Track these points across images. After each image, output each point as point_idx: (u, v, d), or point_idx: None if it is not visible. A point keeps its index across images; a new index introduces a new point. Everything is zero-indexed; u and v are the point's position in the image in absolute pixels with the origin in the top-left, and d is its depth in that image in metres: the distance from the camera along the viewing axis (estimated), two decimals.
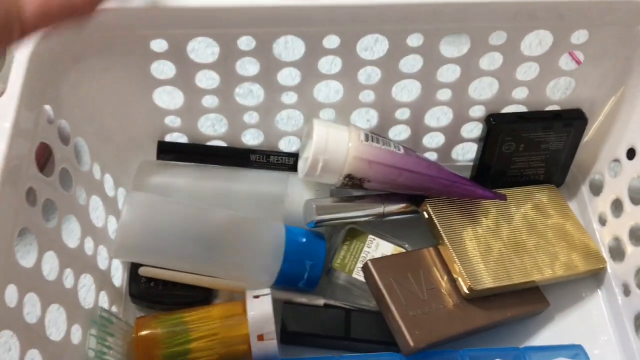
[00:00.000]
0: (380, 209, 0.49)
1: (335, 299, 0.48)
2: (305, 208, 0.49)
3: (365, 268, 0.46)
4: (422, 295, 0.45)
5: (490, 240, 0.49)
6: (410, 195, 0.50)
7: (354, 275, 0.48)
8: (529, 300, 0.48)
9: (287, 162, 0.52)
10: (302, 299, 0.48)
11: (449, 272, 0.47)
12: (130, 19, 0.42)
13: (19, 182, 0.36)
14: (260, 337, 0.43)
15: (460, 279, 0.46)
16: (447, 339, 0.44)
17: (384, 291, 0.44)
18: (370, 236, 0.49)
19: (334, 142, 0.46)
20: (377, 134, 0.49)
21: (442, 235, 0.47)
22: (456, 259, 0.46)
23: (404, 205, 0.50)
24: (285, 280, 0.47)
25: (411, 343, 0.42)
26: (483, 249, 0.48)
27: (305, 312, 0.47)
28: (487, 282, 0.46)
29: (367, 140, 0.47)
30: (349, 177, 0.47)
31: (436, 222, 0.48)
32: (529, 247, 0.49)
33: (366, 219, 0.49)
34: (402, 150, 0.48)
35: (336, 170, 0.47)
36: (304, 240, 0.48)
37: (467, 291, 0.45)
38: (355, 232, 0.50)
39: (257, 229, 0.47)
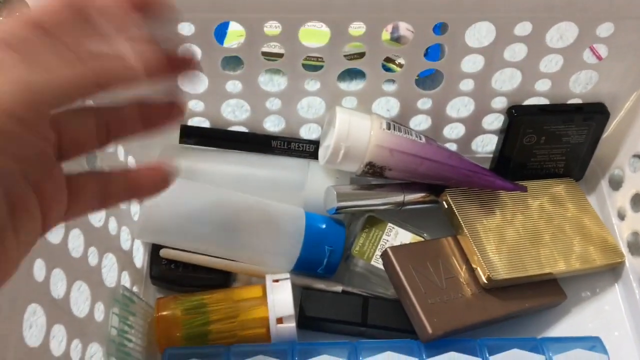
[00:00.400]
0: (400, 198, 0.49)
1: (352, 286, 0.49)
2: (326, 194, 0.49)
3: (384, 255, 0.46)
4: (440, 284, 0.45)
5: (509, 231, 0.49)
6: (430, 184, 0.50)
7: (373, 262, 0.48)
8: (547, 292, 0.48)
9: (308, 150, 0.52)
10: (321, 285, 0.48)
11: (467, 262, 0.47)
12: None
13: None
14: (280, 321, 0.43)
15: (479, 268, 0.46)
16: (465, 327, 0.44)
17: (403, 279, 0.44)
18: (390, 224, 0.50)
19: (356, 130, 0.47)
20: (398, 123, 0.49)
21: (462, 225, 0.47)
22: (475, 250, 0.46)
23: (424, 194, 0.50)
24: (304, 266, 0.47)
25: (429, 330, 0.43)
26: (502, 240, 0.48)
27: (323, 298, 0.47)
28: (506, 272, 0.46)
29: (389, 128, 0.47)
30: (370, 165, 0.47)
31: (456, 212, 0.48)
32: (548, 239, 0.49)
33: (386, 207, 0.49)
34: (423, 140, 0.48)
35: (358, 157, 0.47)
36: (324, 226, 0.48)
37: (485, 281, 0.45)
38: (374, 220, 0.50)
39: (277, 214, 0.48)
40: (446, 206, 0.49)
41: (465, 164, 0.49)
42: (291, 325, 0.44)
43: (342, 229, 0.49)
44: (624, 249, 0.51)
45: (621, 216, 0.53)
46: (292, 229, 0.47)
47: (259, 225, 0.47)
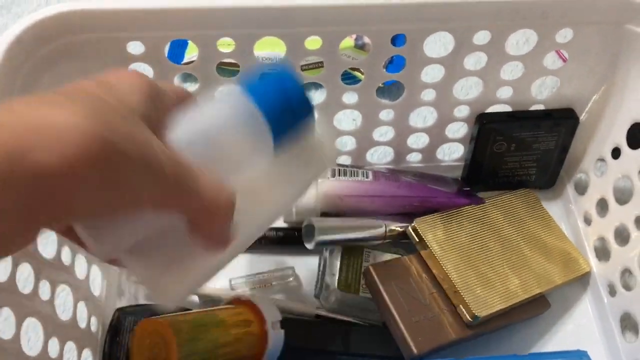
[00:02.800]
0: (382, 230, 0.48)
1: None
2: (305, 229, 0.47)
3: (366, 274, 0.45)
4: (424, 300, 0.44)
5: (483, 260, 0.47)
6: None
7: (361, 294, 0.47)
8: (531, 303, 0.48)
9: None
10: (297, 306, 0.47)
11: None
12: (106, 21, 0.41)
13: None
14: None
15: (461, 306, 0.44)
16: (450, 343, 0.43)
17: (386, 297, 0.43)
18: (366, 250, 0.48)
19: None
20: (344, 166, 0.50)
21: (440, 262, 0.46)
22: (457, 288, 0.45)
23: (404, 224, 0.49)
24: (282, 127, 0.34)
25: (414, 350, 0.42)
26: (479, 272, 0.46)
27: (303, 327, 0.46)
28: (489, 307, 0.45)
29: (333, 175, 0.49)
30: (325, 214, 0.48)
31: (430, 248, 0.46)
32: (519, 262, 0.48)
33: (368, 242, 0.48)
34: (370, 177, 0.49)
35: (311, 210, 0.48)
36: (269, 85, 0.34)
37: (470, 319, 0.44)
38: (350, 249, 0.48)
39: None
40: (417, 239, 0.47)
41: (417, 190, 0.49)
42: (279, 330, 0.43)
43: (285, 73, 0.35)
44: (590, 255, 0.51)
45: (587, 221, 0.52)
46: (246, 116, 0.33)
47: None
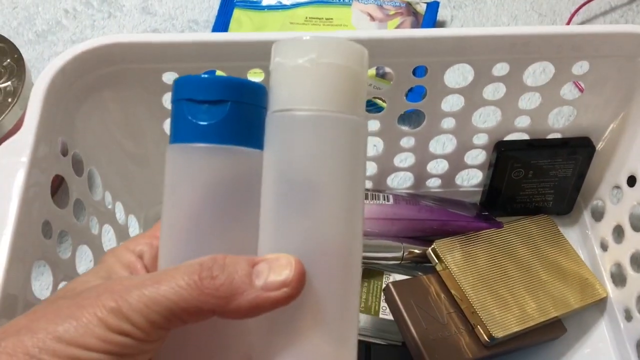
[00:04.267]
0: (400, 251, 0.50)
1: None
2: None
3: (386, 291, 0.47)
4: (442, 319, 0.46)
5: (501, 283, 0.49)
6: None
7: (381, 315, 0.48)
8: (547, 326, 0.49)
9: None
10: None
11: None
12: (143, 53, 0.44)
13: (35, 216, 0.37)
14: None
15: (479, 327, 0.46)
16: None
17: (405, 314, 0.45)
18: (386, 273, 0.50)
19: None
20: (365, 190, 0.51)
21: (459, 283, 0.47)
22: (475, 308, 0.46)
23: (422, 248, 0.50)
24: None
25: None
26: (497, 294, 0.48)
27: None
28: (506, 328, 0.46)
29: None
30: None
31: (451, 270, 0.48)
32: (536, 286, 0.49)
33: (386, 263, 0.50)
34: (391, 200, 0.50)
35: None
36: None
37: (487, 339, 0.45)
38: (369, 272, 0.50)
39: None
40: (437, 260, 0.49)
41: (437, 214, 0.50)
42: None
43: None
44: (607, 280, 0.52)
45: (604, 247, 0.53)
46: None
47: None
